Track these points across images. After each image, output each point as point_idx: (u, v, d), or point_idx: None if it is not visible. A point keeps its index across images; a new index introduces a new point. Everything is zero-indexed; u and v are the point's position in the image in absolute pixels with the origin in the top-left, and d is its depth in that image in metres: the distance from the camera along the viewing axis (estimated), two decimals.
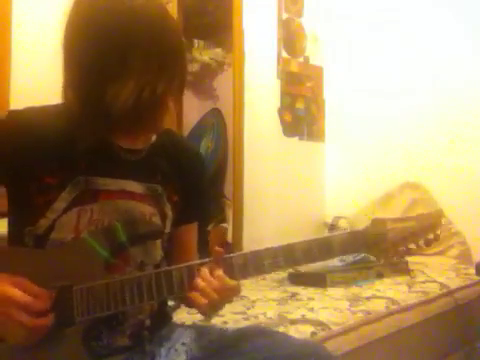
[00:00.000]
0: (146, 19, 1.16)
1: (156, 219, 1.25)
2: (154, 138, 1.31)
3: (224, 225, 2.90)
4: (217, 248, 1.15)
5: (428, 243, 1.21)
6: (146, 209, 1.23)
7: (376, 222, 1.21)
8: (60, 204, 1.17)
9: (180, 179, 1.31)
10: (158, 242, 1.27)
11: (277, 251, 1.16)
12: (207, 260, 1.15)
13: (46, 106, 1.23)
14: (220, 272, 1.13)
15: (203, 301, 1.12)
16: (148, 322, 1.26)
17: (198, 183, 1.37)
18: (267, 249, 1.17)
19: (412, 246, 1.21)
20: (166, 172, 1.29)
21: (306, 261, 1.20)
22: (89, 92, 1.14)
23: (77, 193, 1.17)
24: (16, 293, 1.07)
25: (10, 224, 1.25)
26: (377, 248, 1.20)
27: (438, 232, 1.22)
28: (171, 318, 1.38)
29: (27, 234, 1.18)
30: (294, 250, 1.17)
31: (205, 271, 1.13)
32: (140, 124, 1.21)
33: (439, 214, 1.24)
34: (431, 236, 1.21)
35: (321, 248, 1.19)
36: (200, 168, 1.40)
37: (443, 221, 1.25)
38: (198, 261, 1.16)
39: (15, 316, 1.06)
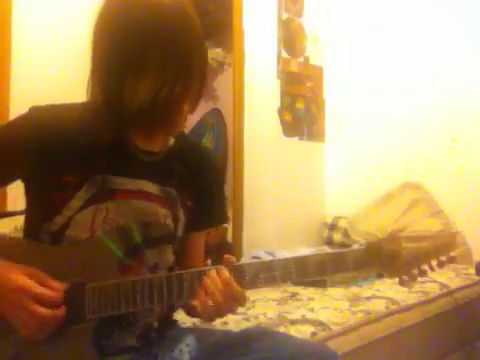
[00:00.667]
0: (166, 18, 1.15)
1: (169, 221, 1.25)
2: (172, 142, 1.30)
3: (224, 225, 2.89)
4: (227, 256, 1.15)
5: (441, 265, 1.17)
6: (160, 211, 1.23)
7: (391, 239, 1.18)
8: (76, 202, 1.17)
9: (195, 185, 1.31)
10: (170, 245, 1.27)
11: (289, 262, 1.14)
12: (219, 266, 1.14)
13: (67, 104, 1.23)
14: (227, 274, 1.12)
15: (207, 302, 1.11)
16: (156, 324, 1.26)
17: (212, 191, 1.37)
18: (279, 260, 1.15)
19: (425, 267, 1.16)
20: (182, 176, 1.29)
21: (318, 275, 1.16)
22: (109, 89, 1.14)
23: (94, 192, 1.18)
24: (30, 283, 1.08)
25: (27, 220, 1.25)
26: (390, 266, 1.17)
27: (452, 254, 1.17)
28: (177, 321, 1.38)
29: (43, 230, 1.18)
30: (306, 263, 1.15)
31: (213, 271, 1.12)
32: (156, 124, 1.20)
33: (454, 235, 1.19)
34: (444, 258, 1.17)
35: (334, 262, 1.16)
36: (215, 177, 1.40)
37: (458, 243, 1.20)
38: (210, 267, 1.15)
39: (28, 306, 1.06)
